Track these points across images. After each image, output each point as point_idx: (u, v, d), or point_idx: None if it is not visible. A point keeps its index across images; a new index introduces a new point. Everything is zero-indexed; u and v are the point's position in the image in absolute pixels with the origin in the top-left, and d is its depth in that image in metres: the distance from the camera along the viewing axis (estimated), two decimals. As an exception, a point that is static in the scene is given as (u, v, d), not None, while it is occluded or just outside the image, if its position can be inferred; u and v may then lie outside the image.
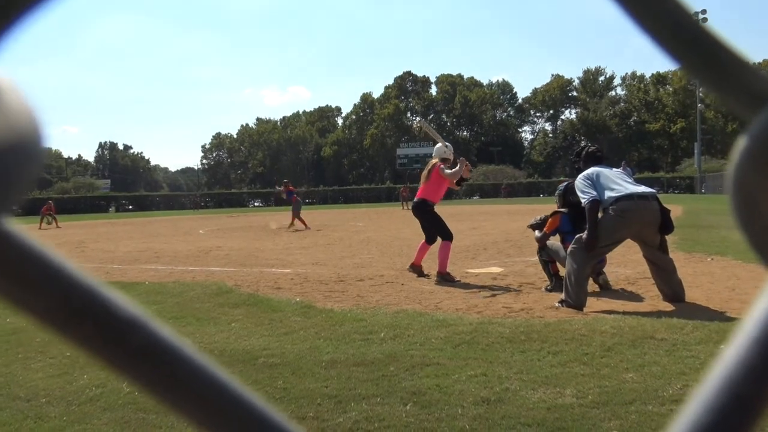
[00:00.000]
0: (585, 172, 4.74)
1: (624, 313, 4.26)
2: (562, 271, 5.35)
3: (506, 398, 2.66)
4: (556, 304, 4.58)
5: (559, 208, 5.53)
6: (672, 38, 0.24)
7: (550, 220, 5.52)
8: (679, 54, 0.24)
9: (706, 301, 4.59)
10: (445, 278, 6.12)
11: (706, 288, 5.15)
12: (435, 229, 6.53)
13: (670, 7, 0.24)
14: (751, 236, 0.24)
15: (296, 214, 15.98)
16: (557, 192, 5.66)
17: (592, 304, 4.57)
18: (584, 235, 4.54)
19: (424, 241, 6.62)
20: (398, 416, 2.51)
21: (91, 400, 2.81)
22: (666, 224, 4.57)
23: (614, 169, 4.85)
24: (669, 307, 4.45)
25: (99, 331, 0.16)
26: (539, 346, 3.45)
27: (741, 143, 0.23)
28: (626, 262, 6.69)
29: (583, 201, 4.63)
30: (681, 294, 4.62)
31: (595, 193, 4.55)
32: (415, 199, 6.75)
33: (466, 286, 5.76)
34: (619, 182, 4.61)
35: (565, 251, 5.27)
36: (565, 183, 5.65)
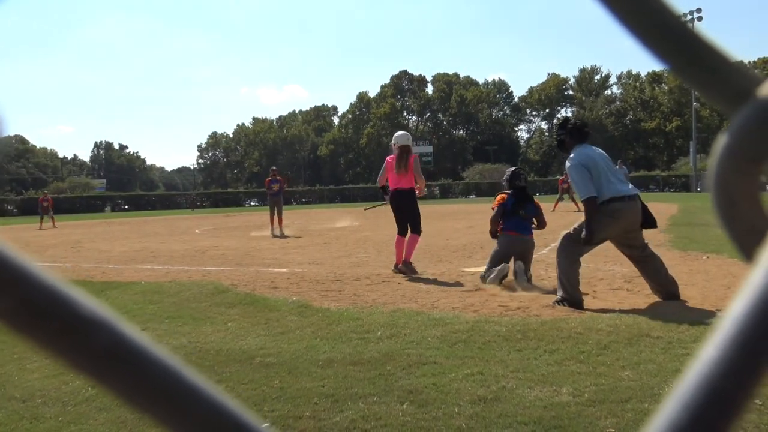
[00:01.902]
0: (578, 160, 4.62)
1: (620, 311, 4.27)
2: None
3: (503, 397, 2.66)
4: (553, 303, 4.59)
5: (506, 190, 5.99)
6: (658, 38, 0.24)
7: (498, 196, 5.92)
8: (665, 53, 0.24)
9: (702, 299, 4.60)
10: (409, 267, 6.33)
11: (702, 286, 5.17)
12: (413, 220, 6.54)
13: (656, 7, 0.24)
14: (733, 234, 0.24)
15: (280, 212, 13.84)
16: (504, 178, 6.05)
17: (588, 302, 4.58)
18: (572, 232, 4.65)
19: (398, 236, 6.63)
20: (395, 415, 2.51)
21: (87, 400, 2.80)
22: (647, 219, 4.62)
23: (599, 150, 4.79)
24: (664, 305, 4.47)
25: (64, 332, 0.16)
26: (535, 344, 3.46)
27: (721, 140, 0.23)
28: (623, 261, 6.68)
29: (581, 196, 4.65)
30: (674, 290, 4.62)
31: (594, 188, 4.56)
32: (402, 189, 6.52)
33: (462, 284, 5.76)
34: (610, 179, 4.62)
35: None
36: (512, 169, 6.09)
